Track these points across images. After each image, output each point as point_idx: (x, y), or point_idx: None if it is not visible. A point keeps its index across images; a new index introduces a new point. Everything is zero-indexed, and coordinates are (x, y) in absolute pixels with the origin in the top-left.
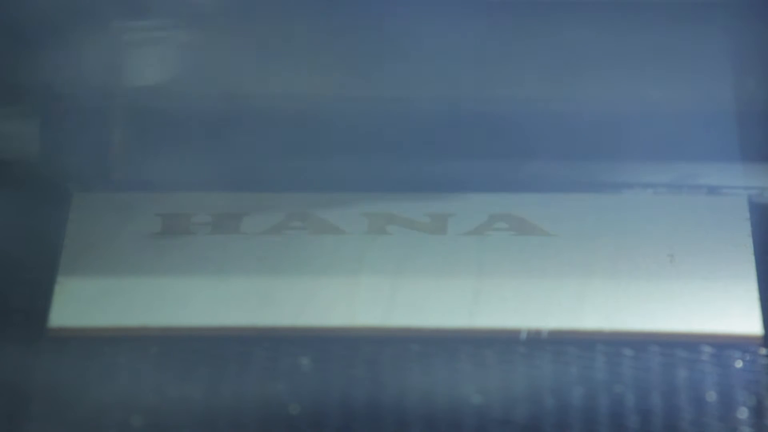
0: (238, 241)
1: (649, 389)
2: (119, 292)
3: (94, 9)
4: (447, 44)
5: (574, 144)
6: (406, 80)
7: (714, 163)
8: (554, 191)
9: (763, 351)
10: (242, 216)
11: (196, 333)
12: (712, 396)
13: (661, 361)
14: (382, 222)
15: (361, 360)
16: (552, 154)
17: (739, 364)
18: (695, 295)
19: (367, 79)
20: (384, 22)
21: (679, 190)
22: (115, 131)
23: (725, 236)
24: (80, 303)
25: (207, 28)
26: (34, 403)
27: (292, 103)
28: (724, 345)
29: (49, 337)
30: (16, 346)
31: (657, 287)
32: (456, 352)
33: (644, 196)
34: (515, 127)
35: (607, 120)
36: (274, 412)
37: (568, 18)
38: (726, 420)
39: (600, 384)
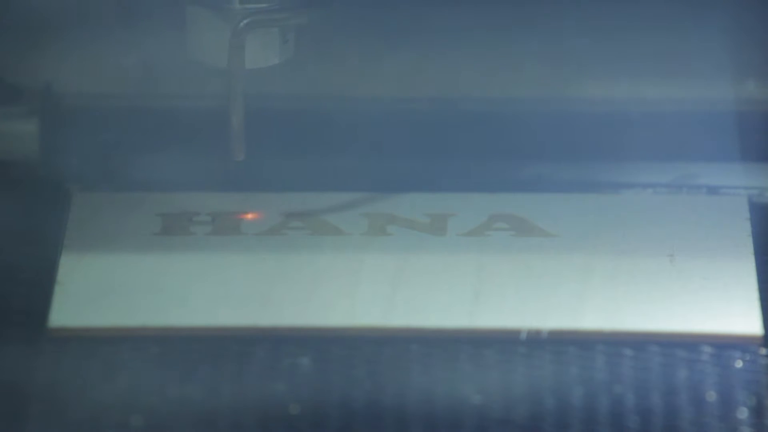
0: (238, 241)
1: (649, 389)
2: (119, 292)
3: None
4: (445, 42)
5: (574, 144)
6: (406, 79)
7: (714, 163)
8: (554, 191)
9: (763, 351)
10: (242, 216)
11: (196, 333)
12: (712, 396)
13: (661, 361)
14: (382, 222)
15: (361, 360)
16: (552, 154)
17: (739, 364)
18: (695, 295)
19: (367, 78)
20: (381, 21)
21: (679, 190)
22: (115, 131)
23: (725, 236)
24: (80, 303)
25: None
26: (34, 404)
27: (291, 102)
28: (724, 345)
29: (49, 337)
30: (16, 346)
31: (657, 287)
32: (456, 352)
33: (644, 196)
34: (515, 127)
35: (607, 120)
36: (274, 412)
37: (568, 17)
38: (726, 420)
39: (600, 384)
